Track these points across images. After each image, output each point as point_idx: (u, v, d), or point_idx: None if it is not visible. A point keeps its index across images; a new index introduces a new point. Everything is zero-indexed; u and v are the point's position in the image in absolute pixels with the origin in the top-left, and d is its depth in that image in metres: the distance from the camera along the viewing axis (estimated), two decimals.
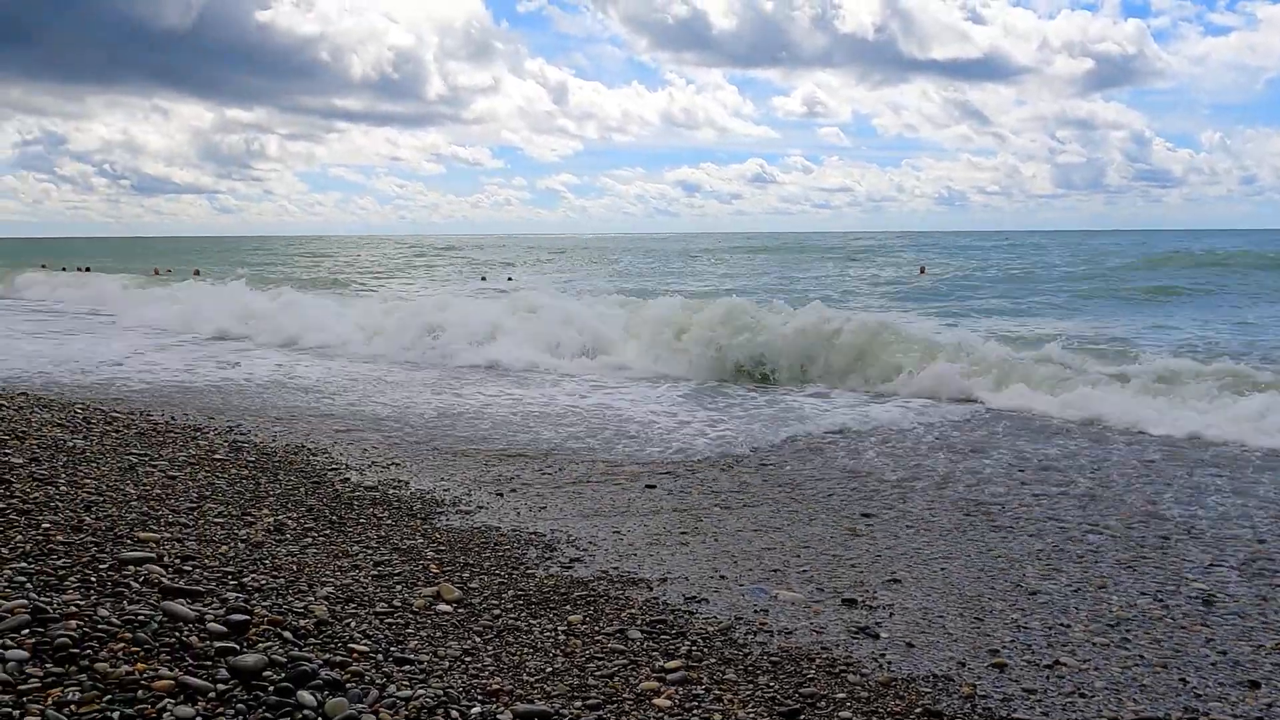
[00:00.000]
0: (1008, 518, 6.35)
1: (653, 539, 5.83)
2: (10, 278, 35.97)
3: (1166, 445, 8.71)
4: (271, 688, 3.02)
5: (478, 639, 4.03)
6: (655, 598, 4.78)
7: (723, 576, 5.15)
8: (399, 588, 4.58)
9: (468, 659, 3.77)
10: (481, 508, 6.42)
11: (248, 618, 3.56)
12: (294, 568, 4.60)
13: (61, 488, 5.26)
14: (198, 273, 37.47)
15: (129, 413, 8.97)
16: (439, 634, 4.02)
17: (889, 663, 4.07)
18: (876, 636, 4.36)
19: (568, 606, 4.57)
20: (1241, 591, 4.97)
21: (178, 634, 3.28)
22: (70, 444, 6.70)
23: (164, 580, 3.85)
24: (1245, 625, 4.53)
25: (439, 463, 7.81)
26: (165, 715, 2.75)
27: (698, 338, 13.88)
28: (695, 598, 4.81)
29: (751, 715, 3.47)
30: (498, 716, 3.21)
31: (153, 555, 4.19)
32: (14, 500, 4.74)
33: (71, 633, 3.10)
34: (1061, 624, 4.53)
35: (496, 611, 4.42)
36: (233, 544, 4.80)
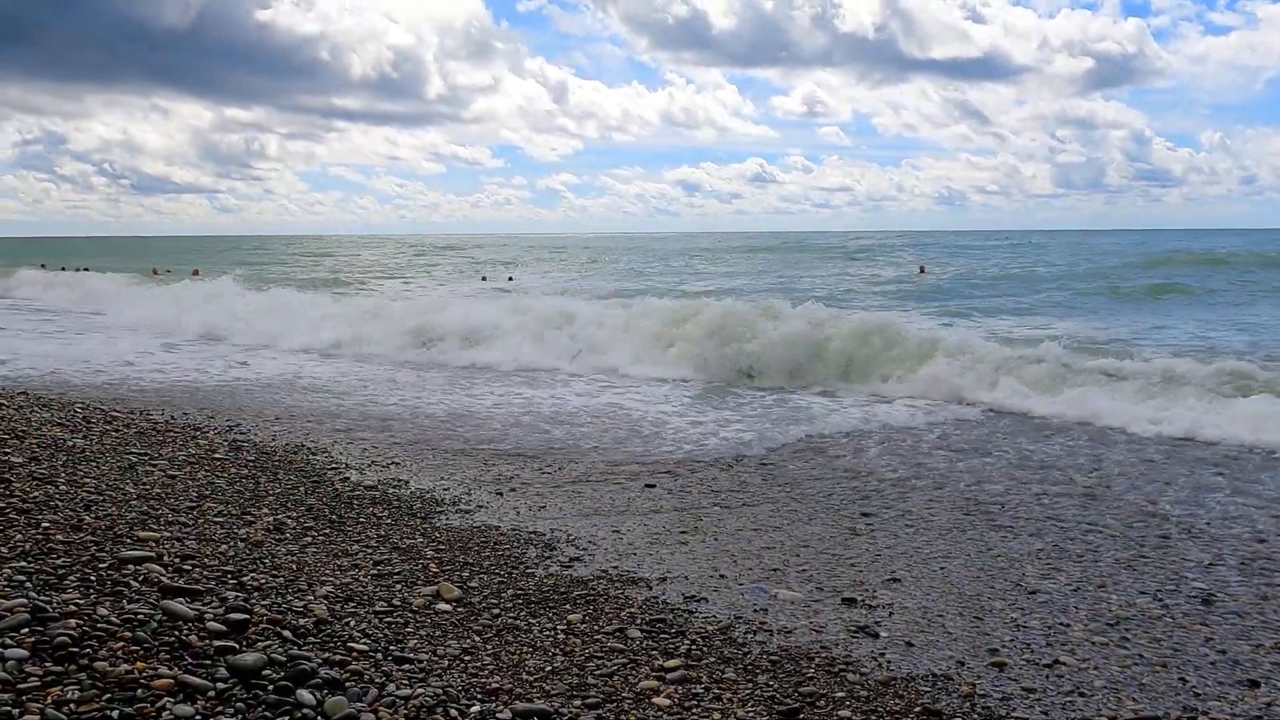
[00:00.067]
0: (1007, 517, 6.35)
1: (652, 538, 5.83)
2: (10, 276, 35.95)
3: (1166, 445, 8.71)
4: (271, 686, 3.02)
5: (477, 638, 4.03)
6: (655, 597, 4.78)
7: (722, 576, 5.15)
8: (398, 587, 4.58)
9: (467, 658, 3.77)
10: (481, 507, 6.42)
11: (247, 617, 3.57)
12: (293, 567, 4.60)
13: (61, 487, 5.26)
14: (197, 272, 37.46)
15: (129, 412, 8.97)
16: (438, 633, 4.02)
17: (888, 662, 4.08)
18: (876, 635, 4.36)
19: (567, 605, 4.57)
20: (1241, 591, 4.97)
21: (177, 633, 3.28)
22: (70, 443, 6.70)
23: (163, 579, 3.85)
24: (1244, 624, 4.53)
25: (439, 462, 7.81)
26: (164, 714, 2.75)
27: (697, 341, 13.86)
28: (695, 597, 4.81)
29: (751, 714, 3.47)
30: (497, 715, 3.21)
31: (152, 554, 4.19)
32: (14, 499, 4.74)
33: (71, 631, 3.10)
34: (1061, 623, 4.53)
35: (496, 610, 4.42)
36: (232, 543, 4.80)
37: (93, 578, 3.72)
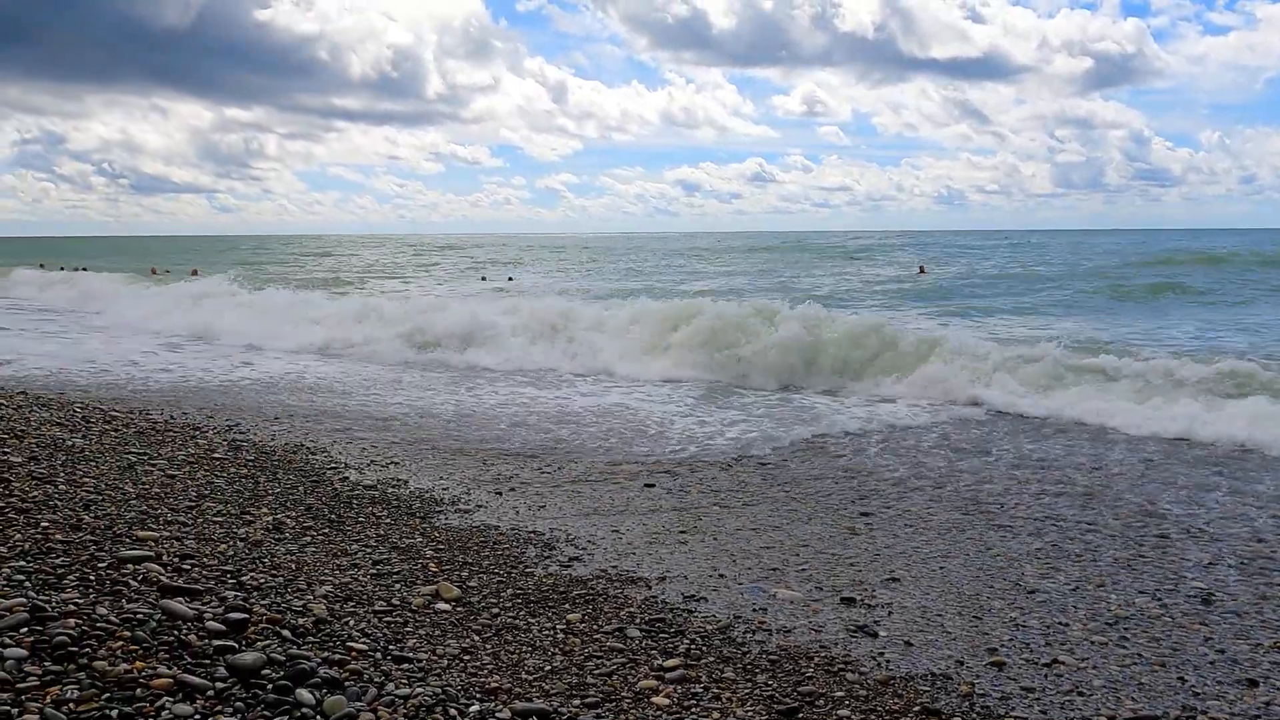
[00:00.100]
0: (1006, 517, 6.35)
1: (652, 538, 5.83)
2: (6, 276, 35.90)
3: (1165, 444, 8.72)
4: (270, 686, 3.02)
5: (476, 637, 4.04)
6: (654, 596, 4.78)
7: (721, 575, 5.15)
8: (398, 586, 4.58)
9: (466, 657, 3.77)
10: (480, 506, 6.42)
11: (246, 616, 3.57)
12: (293, 566, 4.60)
13: (60, 486, 5.26)
14: (195, 272, 37.44)
15: (128, 412, 8.96)
16: (437, 632, 4.02)
17: (887, 661, 4.08)
18: (875, 635, 4.36)
19: (566, 605, 4.57)
20: (1240, 590, 4.98)
21: (176, 632, 3.28)
22: (69, 443, 6.70)
23: (163, 579, 3.85)
24: (1243, 624, 4.53)
25: (438, 462, 7.81)
26: (164, 713, 2.75)
27: (692, 349, 13.83)
28: (694, 596, 4.81)
29: (750, 713, 3.47)
30: (496, 714, 3.21)
31: (151, 554, 4.19)
32: (13, 499, 4.74)
33: (70, 631, 3.10)
34: (1060, 623, 4.53)
35: (495, 610, 4.42)
36: (231, 542, 4.80)
37: (92, 577, 3.72)
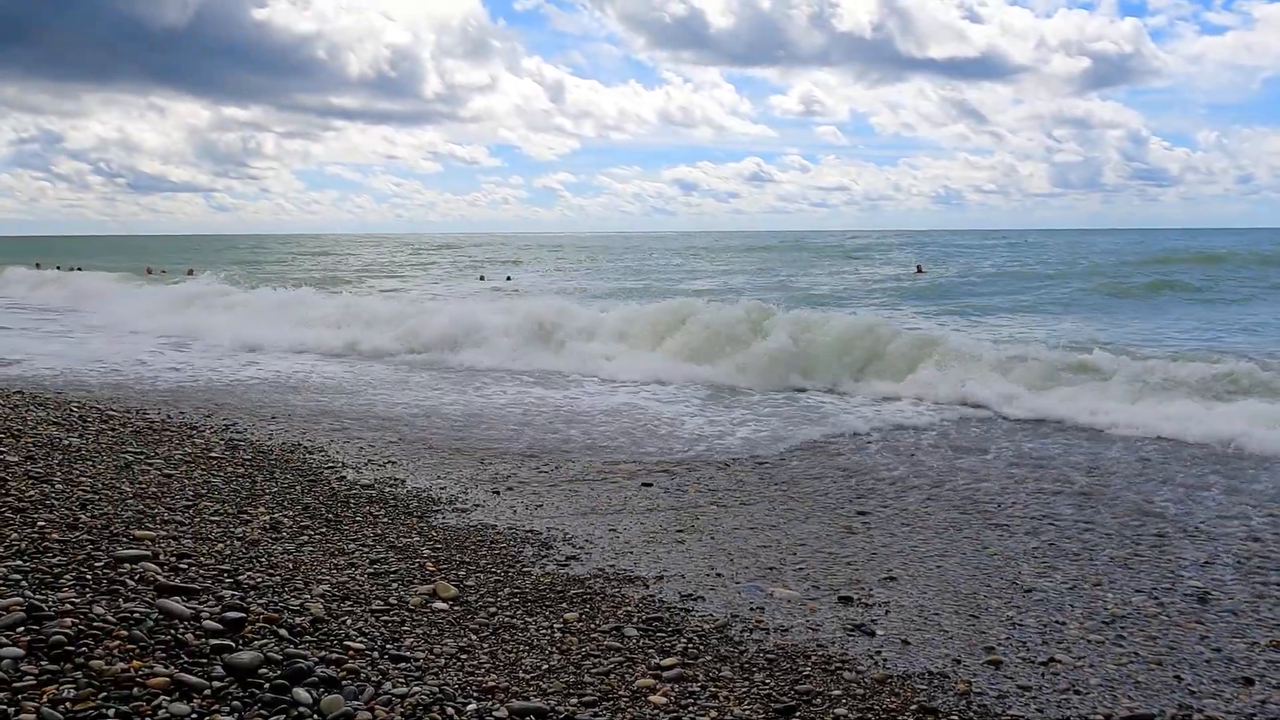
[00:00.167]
0: (1004, 516, 6.36)
1: (649, 537, 5.83)
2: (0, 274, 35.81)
3: (1162, 444, 8.73)
4: (267, 685, 3.02)
5: (474, 636, 4.04)
6: (651, 595, 4.79)
7: (719, 574, 5.16)
8: (395, 585, 4.58)
9: (464, 656, 3.77)
10: (478, 506, 6.42)
11: (243, 615, 3.56)
12: (290, 565, 4.60)
13: (57, 485, 5.25)
14: (191, 272, 37.37)
15: (125, 411, 8.96)
16: (435, 631, 4.02)
17: (884, 660, 4.08)
18: (872, 634, 4.37)
19: (564, 604, 4.57)
20: (1236, 589, 4.98)
21: (173, 631, 3.27)
22: (66, 442, 6.70)
23: (160, 578, 3.85)
24: (1240, 623, 4.54)
25: (435, 461, 7.81)
26: (160, 712, 2.75)
27: (690, 353, 13.81)
28: (691, 595, 4.81)
29: (747, 712, 3.47)
30: (493, 713, 3.21)
31: (148, 553, 4.18)
32: (9, 498, 4.73)
33: (67, 630, 3.09)
34: (1057, 621, 4.54)
35: (492, 609, 4.42)
36: (229, 542, 4.80)
37: (89, 576, 3.72)
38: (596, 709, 3.40)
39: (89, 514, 4.72)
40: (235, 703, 2.87)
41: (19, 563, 3.74)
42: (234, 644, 3.27)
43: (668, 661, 3.90)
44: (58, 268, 41.78)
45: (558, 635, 4.14)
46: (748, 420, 9.91)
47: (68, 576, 3.68)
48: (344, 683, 3.19)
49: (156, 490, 5.68)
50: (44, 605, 3.26)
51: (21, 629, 3.06)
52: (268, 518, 5.51)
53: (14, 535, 4.11)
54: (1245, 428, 8.70)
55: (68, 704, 2.70)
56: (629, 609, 4.54)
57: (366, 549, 5.18)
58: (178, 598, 3.64)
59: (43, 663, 2.89)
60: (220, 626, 3.41)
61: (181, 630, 3.30)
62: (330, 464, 7.43)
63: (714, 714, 3.43)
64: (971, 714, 3.60)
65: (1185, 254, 42.99)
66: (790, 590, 4.92)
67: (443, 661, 3.67)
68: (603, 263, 53.84)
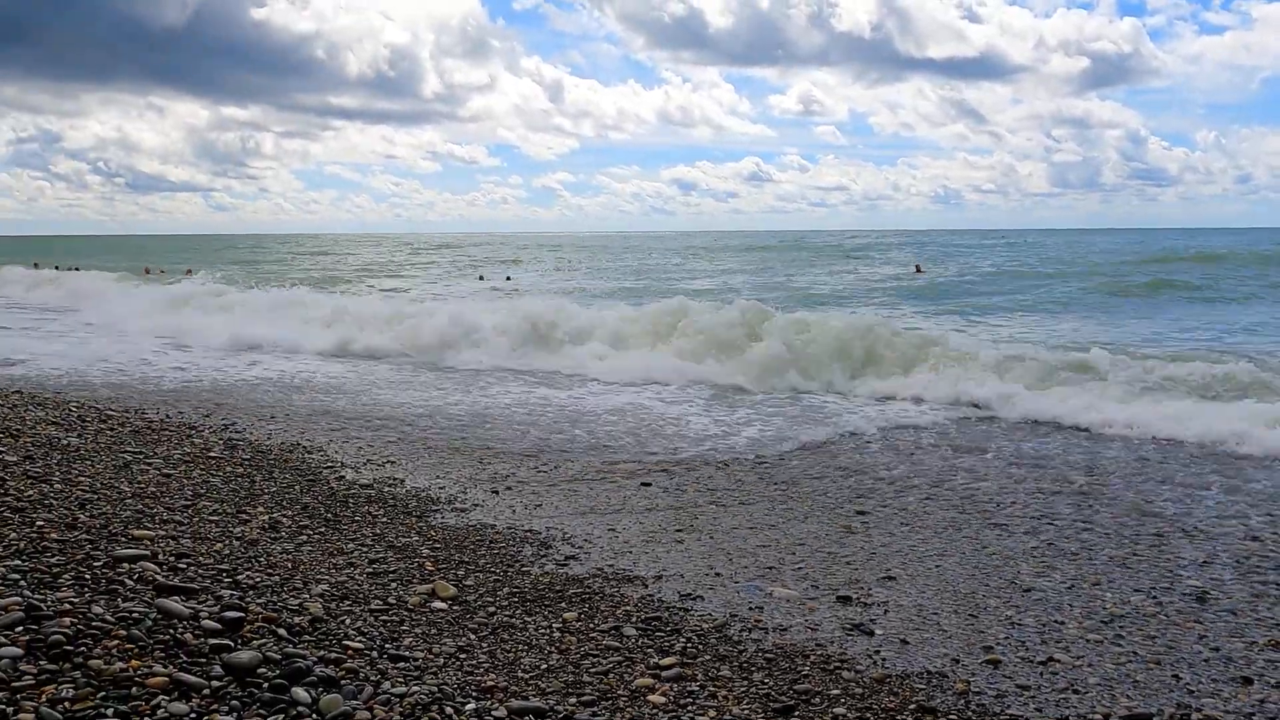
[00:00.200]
0: (1003, 515, 6.36)
1: (648, 536, 5.83)
2: None
3: (1161, 443, 8.73)
4: (266, 685, 3.02)
5: (472, 636, 4.04)
6: (650, 595, 4.79)
7: (718, 574, 5.16)
8: (394, 585, 4.58)
9: (462, 656, 3.77)
10: (477, 505, 6.42)
11: (242, 615, 3.56)
12: (289, 565, 4.60)
13: (56, 485, 5.25)
14: (190, 272, 37.32)
15: (123, 410, 8.95)
16: (434, 631, 4.02)
17: (883, 659, 4.08)
18: (871, 633, 4.37)
19: (563, 604, 4.57)
20: (1235, 588, 4.99)
21: (172, 631, 3.27)
22: (65, 441, 6.69)
23: (158, 577, 3.85)
24: (1238, 622, 4.54)
25: (434, 461, 7.81)
26: (159, 712, 2.74)
27: (687, 355, 13.80)
28: (690, 595, 4.81)
29: (746, 712, 3.48)
30: (492, 713, 3.21)
31: (147, 552, 4.18)
32: (8, 498, 4.73)
33: (66, 630, 3.09)
34: (1055, 621, 4.54)
35: (491, 609, 4.42)
36: (227, 541, 4.79)
37: (87, 576, 3.72)
38: (595, 708, 3.40)
39: (88, 514, 4.72)
40: (234, 702, 2.87)
41: (18, 562, 3.74)
42: (233, 644, 3.27)
43: (666, 661, 3.90)
44: (56, 267, 41.71)
45: (556, 635, 4.15)
46: (754, 420, 9.91)
47: (66, 576, 3.68)
48: (343, 682, 3.19)
49: (155, 490, 5.67)
50: (43, 605, 3.26)
51: (20, 629, 3.06)
52: (266, 517, 5.51)
53: (13, 535, 4.11)
54: (1244, 427, 8.70)
55: (66, 704, 2.70)
56: (628, 608, 4.54)
57: (365, 549, 5.18)
58: (176, 597, 3.64)
59: (41, 662, 2.89)
60: (219, 626, 3.41)
61: (180, 630, 3.30)
62: (329, 463, 7.43)
63: (713, 713, 3.44)
64: (970, 713, 3.60)
65: (1184, 253, 43.03)
66: (789, 590, 4.92)
67: (441, 661, 3.67)
68: (602, 262, 53.86)
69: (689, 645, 4.11)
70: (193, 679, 2.94)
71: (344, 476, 7.00)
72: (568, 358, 14.31)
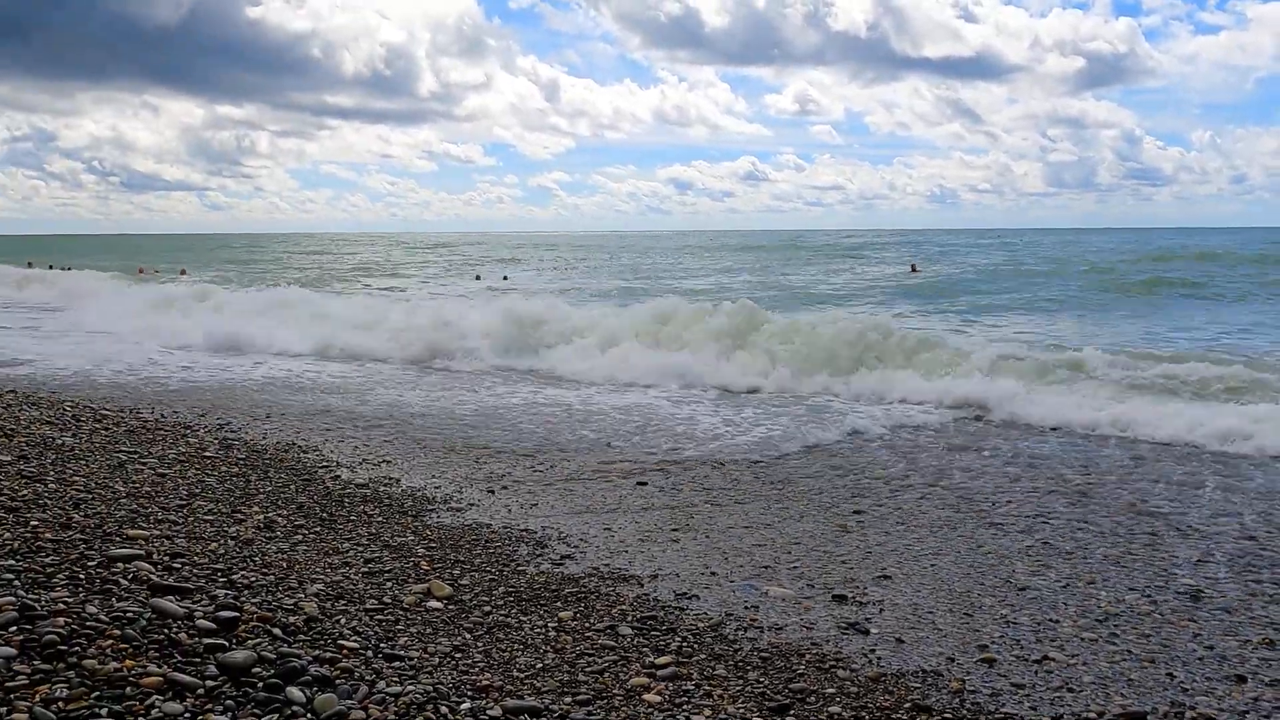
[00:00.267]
0: (998, 514, 6.37)
1: (644, 536, 5.83)
2: None
3: (1156, 443, 8.74)
4: (260, 684, 3.02)
5: (468, 635, 4.03)
6: (646, 594, 4.79)
7: (713, 573, 5.16)
8: (389, 585, 4.57)
9: (458, 655, 3.77)
10: (473, 505, 6.42)
11: (237, 614, 3.56)
12: (284, 565, 4.59)
13: (50, 485, 5.24)
14: (184, 272, 37.23)
15: (118, 410, 8.94)
16: (429, 630, 4.02)
17: (879, 658, 4.09)
18: (866, 632, 4.37)
19: (558, 603, 4.57)
20: (1229, 587, 5.00)
21: (166, 631, 3.27)
22: (59, 441, 6.68)
23: (153, 577, 3.84)
24: (1232, 620, 4.55)
25: (430, 460, 7.80)
26: (153, 712, 2.74)
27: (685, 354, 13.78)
28: (686, 594, 4.81)
29: (741, 711, 3.48)
30: (487, 712, 3.21)
31: (142, 552, 4.17)
32: (2, 497, 4.72)
33: (60, 630, 3.09)
34: (1050, 619, 4.55)
35: (487, 608, 4.42)
36: (222, 541, 4.79)
37: (82, 576, 3.71)
38: (591, 708, 3.40)
39: (82, 513, 4.72)
40: (229, 702, 2.87)
41: (12, 562, 3.73)
42: (227, 643, 3.27)
43: (662, 660, 3.90)
44: (50, 266, 41.53)
45: (552, 634, 4.14)
46: (762, 420, 9.91)
47: (61, 576, 3.67)
48: (337, 682, 3.19)
49: (150, 489, 5.67)
50: (37, 604, 3.26)
51: (14, 628, 3.06)
52: (261, 517, 5.50)
53: (7, 534, 4.10)
54: (1239, 426, 8.72)
55: (60, 703, 2.70)
56: (623, 608, 4.54)
57: (361, 548, 5.17)
58: (171, 597, 3.64)
59: (35, 662, 2.89)
60: (214, 626, 3.40)
61: (175, 629, 3.29)
62: (325, 463, 7.42)
63: (708, 712, 3.44)
64: (965, 712, 3.61)
65: (1180, 253, 43.12)
66: (785, 589, 4.93)
67: (437, 660, 3.67)
68: (599, 262, 53.84)
69: (684, 644, 4.11)
70: (187, 679, 2.94)
71: (339, 476, 7.00)
72: (574, 358, 14.25)
